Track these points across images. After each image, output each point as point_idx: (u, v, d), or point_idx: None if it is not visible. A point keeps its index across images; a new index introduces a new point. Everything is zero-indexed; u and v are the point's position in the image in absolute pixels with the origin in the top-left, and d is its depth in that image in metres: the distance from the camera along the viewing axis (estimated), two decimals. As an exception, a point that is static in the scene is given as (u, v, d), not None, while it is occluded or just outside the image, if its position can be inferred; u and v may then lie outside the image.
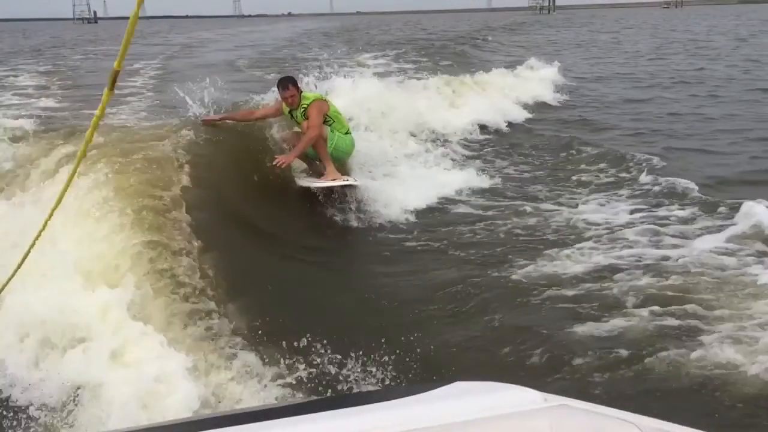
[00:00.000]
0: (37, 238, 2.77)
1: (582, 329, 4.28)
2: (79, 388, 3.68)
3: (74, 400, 3.64)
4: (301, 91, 6.75)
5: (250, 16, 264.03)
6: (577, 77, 16.14)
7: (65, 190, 2.36)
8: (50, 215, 2.59)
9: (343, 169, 6.92)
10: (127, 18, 1.69)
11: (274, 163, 6.35)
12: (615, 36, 41.34)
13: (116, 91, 1.86)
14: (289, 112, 6.77)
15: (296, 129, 6.89)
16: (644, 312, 4.42)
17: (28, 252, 2.80)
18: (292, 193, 6.66)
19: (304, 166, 7.09)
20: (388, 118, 9.01)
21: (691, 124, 11.27)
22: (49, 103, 13.06)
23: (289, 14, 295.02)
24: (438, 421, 1.36)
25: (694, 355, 3.89)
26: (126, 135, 6.42)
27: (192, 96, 7.05)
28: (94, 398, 3.61)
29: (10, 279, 3.03)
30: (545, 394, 1.45)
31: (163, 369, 3.70)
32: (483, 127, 10.54)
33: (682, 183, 7.19)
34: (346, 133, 6.87)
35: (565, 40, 38.80)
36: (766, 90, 14.74)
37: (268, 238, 5.88)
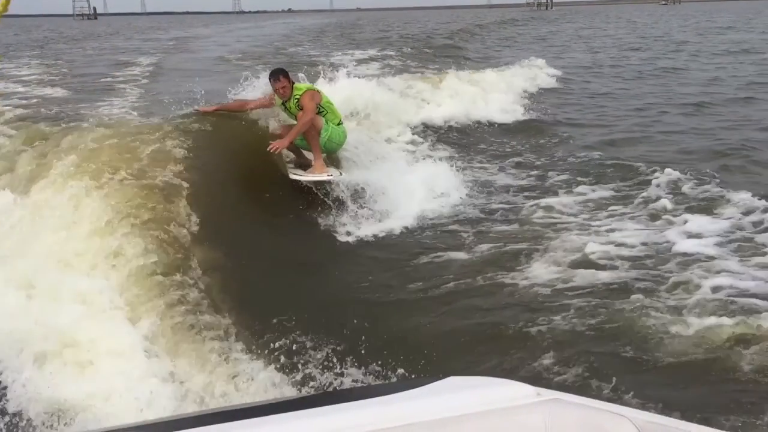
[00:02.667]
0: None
1: (572, 319, 4.37)
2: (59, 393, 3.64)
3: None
4: (293, 83, 6.74)
5: (249, 12, 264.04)
6: (534, 66, 17.78)
7: None
8: None
9: (332, 160, 6.98)
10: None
11: (268, 148, 6.30)
12: (594, 31, 42.97)
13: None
14: (282, 103, 6.78)
15: (289, 121, 6.91)
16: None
17: None
18: (282, 185, 6.68)
19: (294, 156, 7.13)
20: (367, 115, 9.44)
21: (600, 101, 13.40)
22: (47, 91, 13.93)
23: (289, 10, 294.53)
24: (432, 417, 1.36)
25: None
26: (120, 127, 6.57)
27: (186, 88, 7.24)
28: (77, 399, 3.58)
29: None
30: (538, 388, 1.45)
31: (146, 367, 3.67)
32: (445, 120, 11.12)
33: (569, 150, 8.78)
34: (339, 124, 6.87)
35: (544, 35, 40.22)
36: (682, 80, 16.70)
37: (258, 231, 5.85)
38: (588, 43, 31.98)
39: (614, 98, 13.81)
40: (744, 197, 6.45)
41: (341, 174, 6.79)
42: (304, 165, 7.03)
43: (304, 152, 7.09)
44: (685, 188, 6.93)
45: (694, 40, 30.34)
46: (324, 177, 6.65)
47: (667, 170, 7.39)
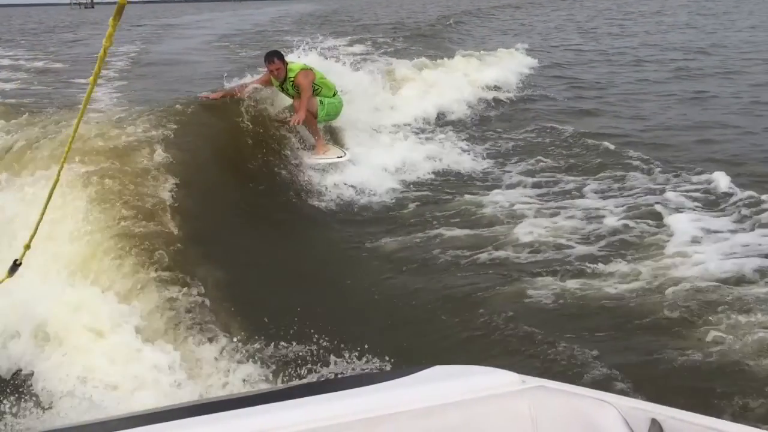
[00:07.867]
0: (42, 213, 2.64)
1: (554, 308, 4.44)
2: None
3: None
4: (287, 63, 6.99)
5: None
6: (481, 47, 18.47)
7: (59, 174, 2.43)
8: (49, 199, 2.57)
9: (336, 141, 7.29)
10: (126, 3, 1.65)
11: (290, 123, 6.82)
12: (562, 17, 43.45)
13: (100, 75, 2.11)
14: (279, 84, 7.03)
15: (286, 101, 7.25)
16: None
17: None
18: (277, 172, 6.76)
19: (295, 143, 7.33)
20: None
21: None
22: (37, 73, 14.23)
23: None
24: (418, 405, 1.37)
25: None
26: (112, 118, 6.62)
27: (178, 73, 7.57)
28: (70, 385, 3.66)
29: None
30: (523, 376, 1.48)
31: (141, 359, 3.70)
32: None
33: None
34: (334, 95, 7.11)
35: (511, 21, 40.38)
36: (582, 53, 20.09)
37: (247, 221, 5.88)
38: (543, 26, 33.97)
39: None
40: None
41: (345, 154, 7.08)
42: (308, 145, 7.33)
43: (300, 133, 7.34)
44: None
45: (633, 26, 31.35)
46: (334, 159, 6.96)
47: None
